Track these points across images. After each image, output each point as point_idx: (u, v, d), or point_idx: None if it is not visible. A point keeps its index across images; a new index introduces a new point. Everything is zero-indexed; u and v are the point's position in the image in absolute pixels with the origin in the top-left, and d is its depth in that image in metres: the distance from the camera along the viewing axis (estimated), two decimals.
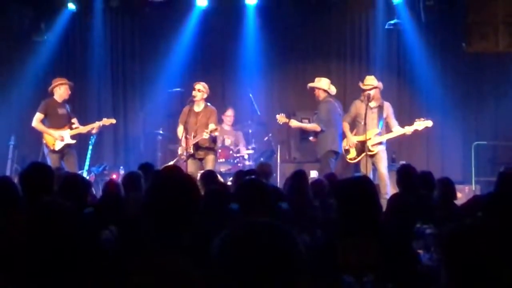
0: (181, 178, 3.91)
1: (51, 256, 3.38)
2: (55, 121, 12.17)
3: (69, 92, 12.41)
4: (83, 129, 12.39)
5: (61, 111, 12.26)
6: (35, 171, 5.53)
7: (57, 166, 11.09)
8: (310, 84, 12.55)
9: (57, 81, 12.37)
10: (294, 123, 12.52)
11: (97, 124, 12.47)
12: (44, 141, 12.10)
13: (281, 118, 12.44)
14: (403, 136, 12.03)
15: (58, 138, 12.05)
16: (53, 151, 12.06)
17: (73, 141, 12.24)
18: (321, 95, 12.39)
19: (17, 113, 12.63)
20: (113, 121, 12.85)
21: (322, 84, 12.42)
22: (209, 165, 11.64)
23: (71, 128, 12.24)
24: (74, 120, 12.41)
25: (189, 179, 3.92)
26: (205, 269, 2.93)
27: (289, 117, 12.84)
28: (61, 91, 12.29)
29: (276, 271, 2.27)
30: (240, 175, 8.77)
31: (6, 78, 14.27)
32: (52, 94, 12.31)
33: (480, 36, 13.61)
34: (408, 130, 11.82)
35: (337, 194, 4.88)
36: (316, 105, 12.59)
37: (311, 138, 12.65)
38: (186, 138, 11.56)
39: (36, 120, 12.09)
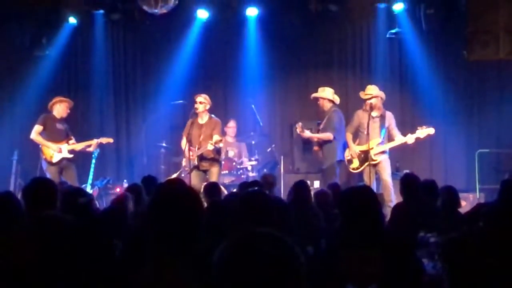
0: (184, 191, 3.91)
1: (54, 271, 3.38)
2: (53, 135, 12.26)
3: (68, 111, 12.52)
4: (79, 146, 12.46)
5: (59, 126, 12.38)
6: (38, 185, 5.52)
7: (56, 180, 11.13)
8: (315, 95, 12.56)
9: (57, 99, 12.48)
10: (306, 133, 12.51)
11: (94, 141, 12.54)
12: (42, 155, 12.16)
13: (299, 127, 12.46)
14: (406, 145, 12.01)
15: (56, 150, 12.12)
16: (51, 164, 12.13)
17: (71, 155, 12.34)
18: (326, 105, 12.40)
19: (20, 128, 12.66)
20: (111, 140, 12.97)
21: (327, 94, 12.44)
22: (213, 177, 11.62)
23: (68, 144, 12.29)
24: (72, 139, 12.46)
25: (192, 192, 3.91)
26: (207, 282, 2.92)
27: (291, 127, 12.88)
28: (60, 108, 12.38)
29: (276, 282, 2.27)
30: (243, 187, 8.78)
31: (8, 92, 14.32)
32: (51, 110, 12.38)
33: (481, 44, 13.62)
34: (410, 138, 11.80)
35: (340, 204, 4.88)
36: (320, 115, 12.60)
37: (315, 147, 12.64)
38: (189, 149, 11.56)
39: (35, 132, 12.17)
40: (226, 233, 4.25)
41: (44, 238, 3.48)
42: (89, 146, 12.54)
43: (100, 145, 12.75)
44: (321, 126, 12.49)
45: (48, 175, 11.87)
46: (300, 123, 12.55)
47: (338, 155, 12.18)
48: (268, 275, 2.27)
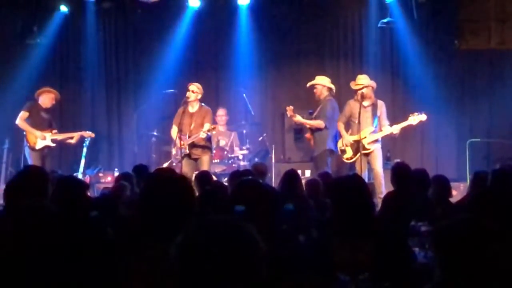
0: (175, 179, 3.91)
1: (38, 260, 3.37)
2: (38, 122, 12.33)
3: (53, 102, 12.61)
4: (61, 136, 12.51)
5: (44, 115, 12.45)
6: (29, 174, 5.50)
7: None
8: (313, 82, 12.54)
9: (45, 88, 12.57)
10: (298, 118, 12.51)
11: (76, 134, 12.60)
12: (26, 141, 12.19)
13: (289, 110, 12.46)
14: (393, 135, 12.03)
15: (39, 137, 12.17)
16: (34, 150, 12.20)
17: (53, 145, 12.40)
18: (324, 92, 12.41)
19: (11, 116, 12.61)
20: (92, 135, 12.98)
21: (325, 81, 12.43)
22: (204, 166, 11.61)
23: (51, 133, 12.32)
24: (55, 129, 12.50)
25: (183, 180, 3.92)
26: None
27: (283, 116, 12.89)
28: (46, 98, 12.47)
29: (231, 268, 2.29)
30: (235, 176, 8.78)
31: None
32: (37, 98, 12.43)
33: (472, 33, 13.68)
34: (395, 129, 11.80)
35: (331, 193, 4.89)
36: (313, 104, 12.61)
37: (307, 135, 12.66)
38: (180, 138, 11.56)
39: (21, 118, 12.24)
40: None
41: (24, 227, 3.46)
42: (71, 138, 12.59)
43: (81, 139, 12.76)
44: (314, 114, 12.49)
45: (30, 162, 12.03)
46: (291, 107, 12.55)
47: (329, 144, 12.18)
48: (224, 266, 2.29)
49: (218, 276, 2.29)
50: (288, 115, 12.62)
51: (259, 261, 2.37)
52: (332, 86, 12.49)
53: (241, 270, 2.32)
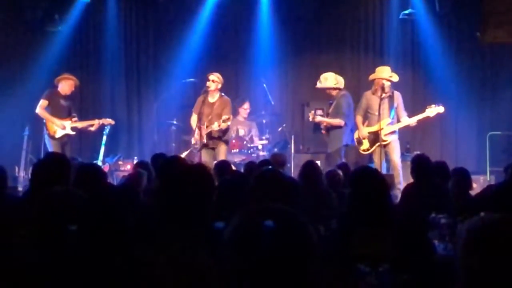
0: (195, 168, 3.91)
1: (64, 246, 3.39)
2: (57, 110, 12.38)
3: (73, 89, 12.64)
4: (81, 124, 12.54)
5: (63, 102, 12.49)
6: (52, 160, 5.53)
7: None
8: (318, 86, 12.53)
9: (64, 75, 12.58)
10: (318, 118, 12.47)
11: (96, 121, 12.63)
12: (46, 129, 12.25)
13: (311, 115, 12.49)
14: (410, 127, 12.01)
15: (59, 126, 12.22)
16: (53, 138, 12.26)
17: (73, 133, 12.44)
18: (332, 92, 12.40)
19: (31, 104, 12.64)
20: (112, 122, 13.01)
21: (329, 83, 12.37)
22: (221, 155, 11.64)
23: (71, 121, 12.37)
24: (75, 116, 12.53)
25: (203, 169, 3.92)
26: (218, 259, 2.92)
27: (303, 107, 12.87)
28: (65, 85, 12.49)
29: (289, 258, 2.26)
30: (251, 166, 8.77)
31: (19, 68, 14.30)
32: (57, 84, 12.48)
33: (495, 25, 13.55)
34: (412, 121, 11.77)
35: (351, 184, 4.88)
36: (331, 97, 12.58)
37: (323, 131, 12.61)
38: (199, 128, 11.59)
39: (40, 107, 12.29)
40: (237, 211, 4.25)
41: (53, 212, 3.49)
42: (91, 125, 12.63)
43: (101, 126, 12.79)
44: (330, 110, 12.43)
45: (50, 150, 12.08)
46: (312, 111, 12.59)
47: (345, 140, 12.19)
48: (280, 252, 2.26)
49: (271, 263, 2.27)
50: (310, 119, 12.58)
51: (314, 250, 2.35)
52: (337, 83, 12.37)
53: (294, 259, 2.29)
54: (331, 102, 12.58)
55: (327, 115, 12.57)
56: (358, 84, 14.07)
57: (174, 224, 3.51)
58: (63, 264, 3.30)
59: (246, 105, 14.08)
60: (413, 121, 11.76)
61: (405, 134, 12.46)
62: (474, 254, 2.48)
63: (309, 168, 7.97)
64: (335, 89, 12.35)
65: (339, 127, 12.16)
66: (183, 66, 14.68)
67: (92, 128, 12.67)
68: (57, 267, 3.29)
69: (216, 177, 7.47)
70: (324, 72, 12.60)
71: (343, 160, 11.90)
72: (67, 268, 3.29)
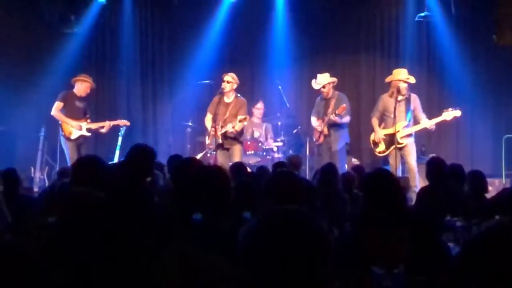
0: (212, 169, 3.93)
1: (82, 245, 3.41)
2: (72, 112, 12.42)
3: (88, 91, 12.69)
4: (94, 125, 12.61)
5: (78, 104, 12.54)
6: (88, 163, 5.62)
7: (74, 156, 11.37)
8: (318, 83, 12.51)
9: (81, 77, 12.61)
10: (333, 117, 12.40)
11: (107, 123, 12.65)
12: (61, 131, 12.29)
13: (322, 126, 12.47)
14: (427, 130, 11.99)
15: (75, 127, 12.25)
16: (69, 140, 12.30)
17: (89, 134, 12.48)
18: (330, 90, 12.39)
19: (47, 105, 12.70)
20: (127, 123, 13.06)
21: (327, 79, 12.38)
22: (236, 156, 11.66)
23: (87, 122, 12.43)
24: (89, 118, 12.59)
25: (220, 171, 3.93)
26: (233, 259, 2.93)
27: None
28: (81, 86, 12.55)
29: (304, 259, 2.27)
30: (263, 171, 8.75)
31: (36, 69, 14.36)
32: (72, 86, 12.54)
33: (511, 28, 13.50)
34: (430, 123, 11.75)
35: (365, 186, 4.89)
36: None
37: (323, 131, 12.52)
38: (214, 128, 11.61)
39: (55, 109, 12.34)
40: (253, 212, 4.27)
41: (74, 213, 3.51)
42: (102, 127, 12.65)
43: (113, 127, 12.81)
44: (330, 109, 12.33)
45: (67, 151, 12.20)
46: (321, 121, 12.52)
47: (348, 138, 12.45)
48: (297, 253, 2.27)
49: (287, 264, 2.27)
50: (320, 130, 12.53)
51: (329, 252, 2.35)
52: (331, 79, 12.45)
53: (310, 259, 2.30)
54: (323, 99, 12.51)
55: (324, 113, 12.47)
56: (373, 87, 14.06)
57: (190, 223, 3.52)
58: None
59: (260, 105, 14.06)
60: (431, 123, 11.74)
61: (420, 136, 12.44)
62: (490, 257, 2.42)
63: (327, 170, 7.94)
64: (333, 84, 12.37)
65: (340, 124, 12.20)
66: (198, 68, 14.68)
67: (103, 130, 12.69)
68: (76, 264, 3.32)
69: (232, 179, 7.49)
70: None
71: (345, 157, 11.98)
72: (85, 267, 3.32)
